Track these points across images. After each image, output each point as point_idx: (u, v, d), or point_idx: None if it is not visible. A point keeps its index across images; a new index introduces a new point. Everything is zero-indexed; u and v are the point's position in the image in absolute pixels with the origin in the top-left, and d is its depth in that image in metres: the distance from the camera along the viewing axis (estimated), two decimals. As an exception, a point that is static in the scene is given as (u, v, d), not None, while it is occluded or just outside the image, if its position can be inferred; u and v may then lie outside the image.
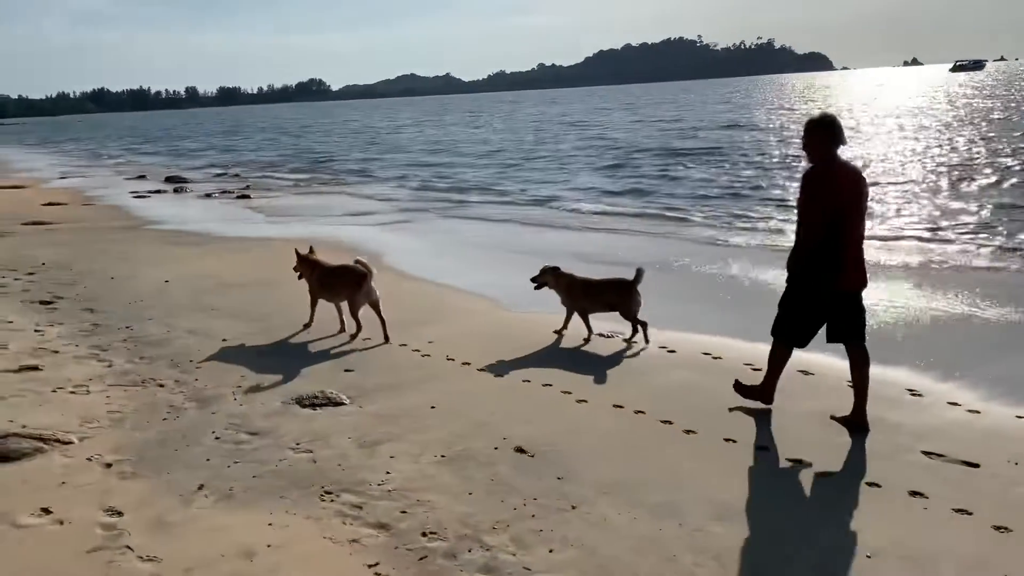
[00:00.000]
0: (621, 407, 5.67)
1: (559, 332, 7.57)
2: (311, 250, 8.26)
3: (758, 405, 5.52)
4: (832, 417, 5.30)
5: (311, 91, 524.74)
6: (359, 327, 7.62)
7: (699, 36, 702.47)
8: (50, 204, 20.45)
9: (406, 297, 9.19)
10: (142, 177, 28.96)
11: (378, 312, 7.58)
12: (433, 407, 5.72)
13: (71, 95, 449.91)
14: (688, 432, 5.22)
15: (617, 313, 7.41)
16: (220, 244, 13.90)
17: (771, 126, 41.01)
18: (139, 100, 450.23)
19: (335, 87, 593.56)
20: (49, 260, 11.92)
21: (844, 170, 4.93)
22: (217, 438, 5.19)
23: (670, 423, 5.37)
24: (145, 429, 5.34)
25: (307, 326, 7.93)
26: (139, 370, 6.64)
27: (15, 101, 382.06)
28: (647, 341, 7.25)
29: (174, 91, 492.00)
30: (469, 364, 6.77)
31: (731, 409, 5.57)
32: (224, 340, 7.57)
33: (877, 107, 53.06)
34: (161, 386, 6.25)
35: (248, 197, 21.98)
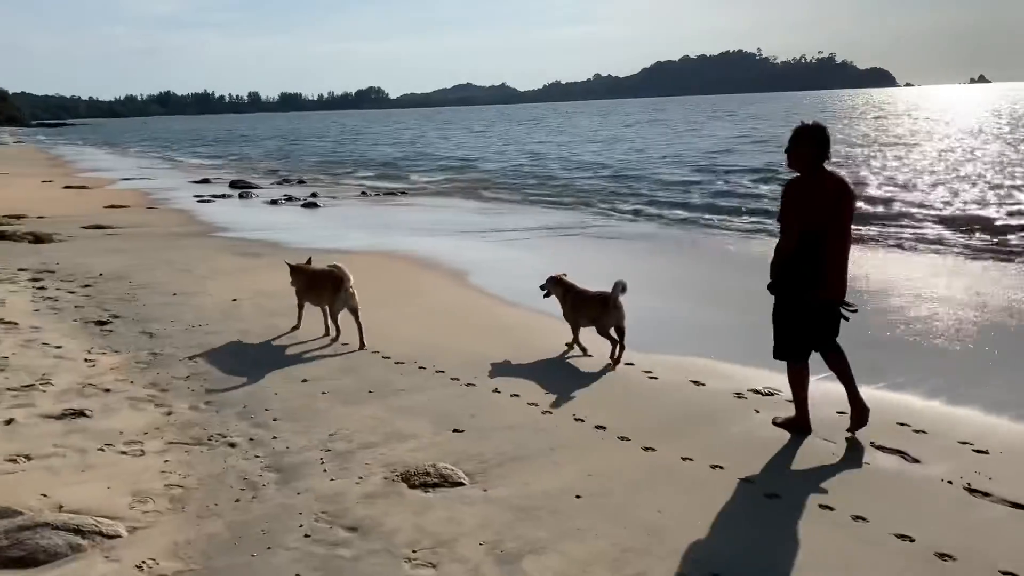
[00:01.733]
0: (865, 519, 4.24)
1: (568, 345, 7.24)
2: (309, 260, 8.44)
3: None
4: (849, 430, 5.19)
5: (370, 99, 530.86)
6: (338, 331, 7.63)
7: (758, 49, 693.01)
8: (112, 207, 19.76)
9: (499, 326, 7.90)
10: (206, 181, 28.33)
11: (356, 317, 7.51)
12: (579, 496, 4.37)
13: (139, 98, 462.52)
14: None
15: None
16: (289, 256, 12.72)
17: (882, 141, 38.83)
18: (203, 104, 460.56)
19: (393, 95, 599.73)
20: (107, 270, 10.93)
21: (830, 180, 4.87)
22: (307, 535, 3.91)
23: None
24: (213, 517, 4.09)
25: (331, 339, 7.69)
26: (205, 420, 5.44)
27: (86, 103, 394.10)
28: (613, 359, 6.81)
29: (237, 96, 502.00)
30: (604, 428, 5.41)
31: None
32: (304, 381, 6.34)
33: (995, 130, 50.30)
34: (232, 445, 5.03)
35: (316, 205, 21.01)
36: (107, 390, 5.98)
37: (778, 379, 5.82)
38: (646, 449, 5.03)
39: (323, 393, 6.06)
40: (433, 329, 8.06)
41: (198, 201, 21.87)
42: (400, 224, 17.45)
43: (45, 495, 4.22)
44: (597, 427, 5.41)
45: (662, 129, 61.53)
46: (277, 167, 37.28)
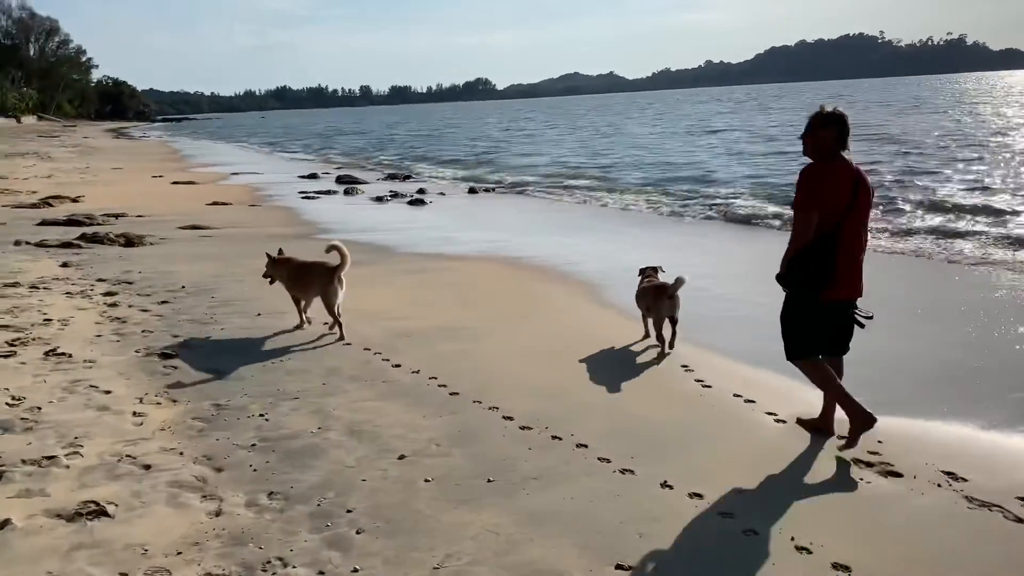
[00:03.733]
0: None
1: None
2: (280, 252, 8.02)
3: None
4: (798, 421, 5.09)
5: (477, 90, 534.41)
6: (339, 324, 7.34)
7: (880, 32, 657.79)
8: (215, 204, 18.93)
9: (658, 371, 6.09)
10: (313, 176, 27.55)
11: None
12: None
13: (256, 92, 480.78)
14: None
15: None
16: (395, 263, 11.34)
17: None
18: (317, 98, 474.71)
19: (500, 86, 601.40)
20: (192, 281, 9.70)
21: (847, 170, 4.57)
22: None
23: None
24: None
25: (299, 327, 7.56)
26: (262, 530, 3.85)
27: (207, 98, 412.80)
28: (662, 352, 6.68)
29: (349, 89, 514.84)
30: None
31: None
32: (402, 457, 4.71)
33: None
34: (295, 582, 3.42)
35: (422, 202, 19.66)
36: (147, 467, 4.51)
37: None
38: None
39: (426, 481, 4.40)
40: (566, 370, 6.33)
41: (302, 197, 20.90)
42: (515, 225, 15.81)
43: None
44: (836, 566, 3.53)
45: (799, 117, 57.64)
46: (384, 160, 36.42)
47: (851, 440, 4.73)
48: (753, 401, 5.59)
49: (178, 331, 7.47)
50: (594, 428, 5.12)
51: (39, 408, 5.35)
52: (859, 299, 4.78)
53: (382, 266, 11.11)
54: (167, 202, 19.15)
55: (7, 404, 5.40)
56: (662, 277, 7.23)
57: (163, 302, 8.63)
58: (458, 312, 8.35)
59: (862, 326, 4.81)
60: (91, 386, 5.84)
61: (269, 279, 7.80)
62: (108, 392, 5.71)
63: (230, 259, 11.45)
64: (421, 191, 21.66)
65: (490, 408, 5.48)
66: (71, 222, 14.71)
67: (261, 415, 5.33)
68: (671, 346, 6.76)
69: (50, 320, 7.70)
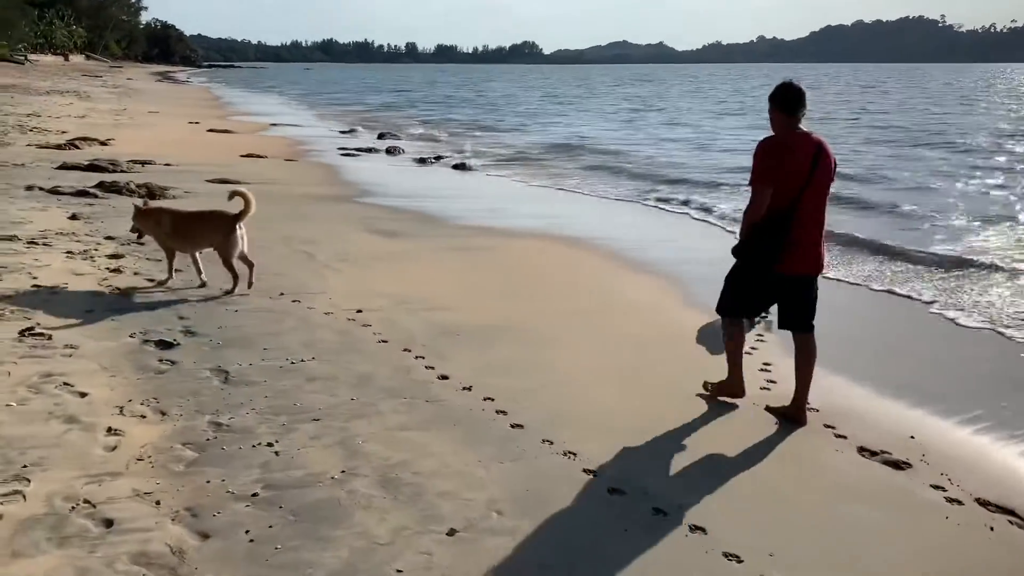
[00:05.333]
0: None
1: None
2: (145, 203, 7.39)
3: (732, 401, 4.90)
4: (767, 408, 4.84)
5: (523, 54, 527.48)
6: (236, 277, 6.80)
7: (942, 16, 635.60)
8: (249, 156, 17.77)
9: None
10: (353, 131, 26.34)
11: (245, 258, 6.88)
12: None
13: (303, 44, 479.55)
14: None
15: None
16: (440, 237, 10.07)
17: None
18: (363, 52, 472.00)
19: (546, 51, 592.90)
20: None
21: (805, 143, 4.50)
22: None
23: None
24: None
25: (162, 283, 6.89)
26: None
27: (255, 46, 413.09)
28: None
29: (395, 46, 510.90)
30: None
31: None
32: (452, 532, 3.45)
33: None
34: None
35: (467, 167, 18.31)
36: (108, 523, 3.31)
37: None
38: None
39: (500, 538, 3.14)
40: (658, 399, 5.02)
41: (342, 154, 19.71)
42: (571, 198, 14.42)
43: None
44: None
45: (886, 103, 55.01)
46: (427, 119, 35.01)
47: (713, 392, 5.01)
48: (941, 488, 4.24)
49: (186, 310, 6.28)
50: (710, 499, 3.82)
51: (-11, 416, 4.17)
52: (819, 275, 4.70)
53: (426, 240, 9.85)
54: (199, 151, 18.02)
55: (-49, 406, 4.23)
56: None
57: (176, 270, 7.43)
58: (513, 305, 7.07)
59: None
60: (65, 383, 4.66)
61: (137, 234, 7.10)
62: (83, 395, 4.52)
63: (257, 221, 10.19)
64: (465, 154, 20.32)
65: (565, 454, 4.19)
66: (92, 167, 13.62)
67: (270, 444, 4.10)
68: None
69: (39, 287, 6.54)
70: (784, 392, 5.06)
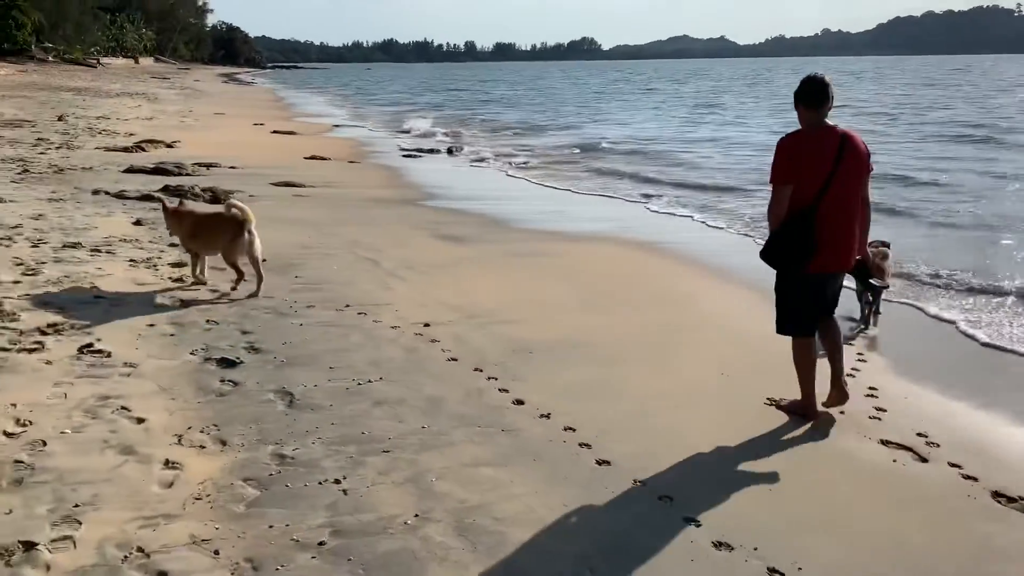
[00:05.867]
0: None
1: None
2: (180, 203, 7.44)
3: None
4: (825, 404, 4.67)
5: (582, 50, 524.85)
6: (240, 275, 6.73)
7: (1018, 5, 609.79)
8: (313, 158, 17.69)
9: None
10: (416, 132, 26.19)
11: (256, 266, 6.72)
12: None
13: (363, 44, 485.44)
14: None
15: None
16: (505, 241, 9.72)
17: None
18: (422, 52, 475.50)
19: (605, 46, 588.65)
20: (276, 254, 8.28)
21: (828, 137, 4.34)
22: None
23: None
24: None
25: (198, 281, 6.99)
26: None
27: (317, 47, 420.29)
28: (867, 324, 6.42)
29: (454, 44, 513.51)
30: None
31: None
32: (540, 592, 3.06)
33: None
34: None
35: (527, 166, 17.92)
36: (162, 575, 3.00)
37: None
38: None
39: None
40: (760, 430, 4.53)
41: (403, 155, 19.53)
42: (636, 199, 13.90)
43: None
44: None
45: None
46: (485, 118, 34.70)
47: (789, 407, 4.75)
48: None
49: (249, 324, 6.03)
50: (834, 555, 3.34)
51: (44, 444, 3.94)
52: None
53: (491, 245, 9.50)
54: (264, 153, 18.03)
55: (4, 433, 4.00)
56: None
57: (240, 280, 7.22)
58: (588, 318, 6.66)
59: (878, 293, 5.09)
60: (122, 408, 4.41)
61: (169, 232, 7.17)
62: (140, 421, 4.26)
63: (322, 226, 10.03)
64: (528, 152, 19.92)
65: (661, 499, 3.76)
66: (158, 170, 13.63)
67: (337, 481, 3.76)
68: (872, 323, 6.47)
69: (101, 298, 6.38)
70: (897, 423, 4.55)
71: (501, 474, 3.93)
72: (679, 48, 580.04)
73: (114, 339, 5.46)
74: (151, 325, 5.85)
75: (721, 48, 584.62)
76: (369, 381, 5.03)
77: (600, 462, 4.10)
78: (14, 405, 4.32)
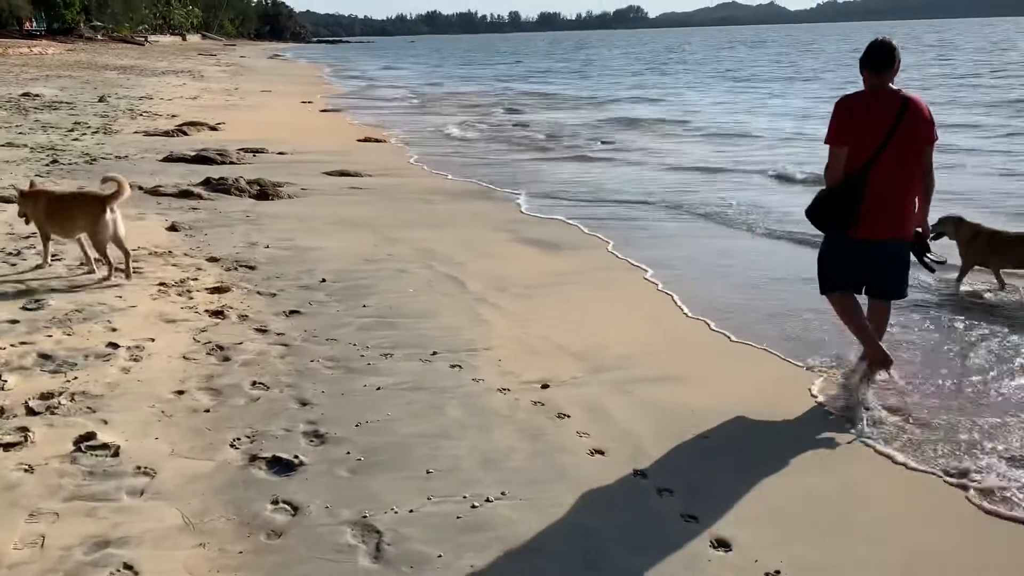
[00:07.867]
0: None
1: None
2: (31, 184, 6.63)
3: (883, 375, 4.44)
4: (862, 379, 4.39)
5: (628, 18, 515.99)
6: (109, 265, 6.01)
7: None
8: (367, 140, 16.16)
9: None
10: (473, 109, 24.48)
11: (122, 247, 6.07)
12: None
13: (407, 17, 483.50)
14: None
15: None
16: (589, 256, 7.99)
17: None
18: (466, 23, 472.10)
19: (652, 14, 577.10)
20: (337, 268, 6.81)
21: (887, 101, 4.18)
22: None
23: None
24: None
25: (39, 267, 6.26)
26: None
27: (360, 21, 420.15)
28: None
29: (497, 15, 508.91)
30: None
31: None
32: None
33: None
34: None
35: (589, 159, 15.93)
36: None
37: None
38: None
39: None
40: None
41: (458, 138, 17.85)
42: (736, 182, 12.04)
43: None
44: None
45: None
46: (531, 90, 32.74)
47: (864, 377, 4.41)
48: None
49: (309, 388, 4.44)
50: None
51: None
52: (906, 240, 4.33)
53: (593, 254, 7.92)
54: (313, 135, 16.55)
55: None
56: None
57: (293, 312, 5.67)
58: (771, 368, 4.95)
59: (932, 271, 4.70)
60: (124, 567, 2.85)
61: (24, 218, 6.44)
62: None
63: (387, 228, 8.45)
64: (605, 143, 17.94)
65: None
66: (200, 159, 12.20)
67: None
68: None
69: (116, 348, 4.85)
70: None
71: None
72: (728, 15, 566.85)
73: (126, 420, 3.93)
74: (179, 392, 4.31)
75: (772, 15, 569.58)
76: (487, 501, 3.40)
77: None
78: (-40, 565, 2.79)
